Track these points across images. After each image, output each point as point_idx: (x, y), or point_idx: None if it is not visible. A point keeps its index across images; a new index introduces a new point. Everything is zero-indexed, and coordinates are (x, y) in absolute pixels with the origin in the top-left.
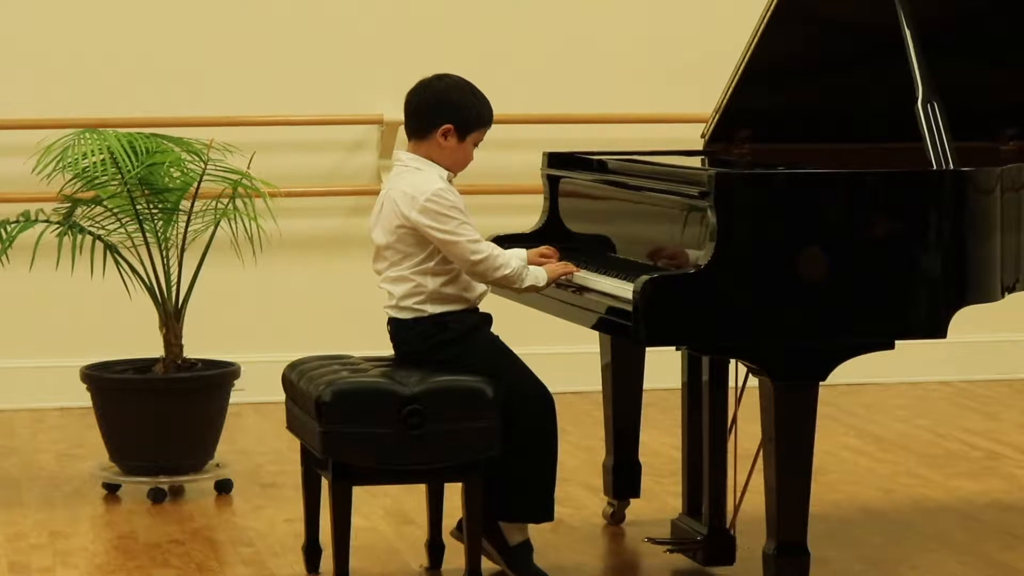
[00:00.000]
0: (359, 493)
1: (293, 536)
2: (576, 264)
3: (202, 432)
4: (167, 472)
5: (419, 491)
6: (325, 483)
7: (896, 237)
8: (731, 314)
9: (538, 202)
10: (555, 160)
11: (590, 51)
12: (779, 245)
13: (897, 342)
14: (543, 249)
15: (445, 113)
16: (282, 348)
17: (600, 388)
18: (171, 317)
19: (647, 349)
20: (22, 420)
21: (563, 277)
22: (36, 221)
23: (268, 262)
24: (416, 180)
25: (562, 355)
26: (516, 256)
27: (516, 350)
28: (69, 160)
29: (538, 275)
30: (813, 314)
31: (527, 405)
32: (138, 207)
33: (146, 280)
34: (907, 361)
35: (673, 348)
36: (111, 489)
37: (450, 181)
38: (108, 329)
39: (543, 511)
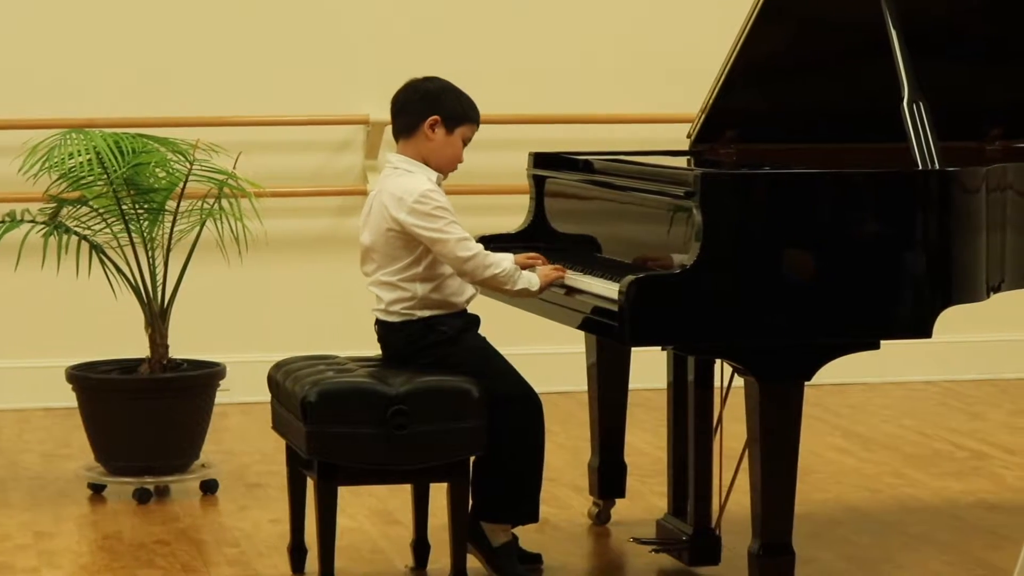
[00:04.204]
0: (344, 493)
1: (278, 536)
2: (562, 265)
3: (188, 432)
4: (152, 472)
5: (404, 491)
6: (310, 483)
7: (881, 237)
8: (716, 314)
9: (524, 202)
10: (541, 160)
11: (576, 51)
12: (765, 245)
13: (883, 342)
14: (530, 254)
15: (431, 106)
16: (268, 348)
17: (585, 388)
18: (157, 317)
19: (633, 349)
20: (7, 420)
21: (555, 281)
22: (22, 221)
23: (254, 262)
24: (405, 182)
25: (548, 355)
26: (507, 258)
27: (502, 350)
28: (55, 160)
29: (531, 279)
30: (798, 314)
31: (514, 407)
32: (124, 207)
33: (132, 280)
34: (893, 361)
35: (659, 348)
36: (96, 489)
37: (439, 184)
38: (93, 329)
39: (528, 512)
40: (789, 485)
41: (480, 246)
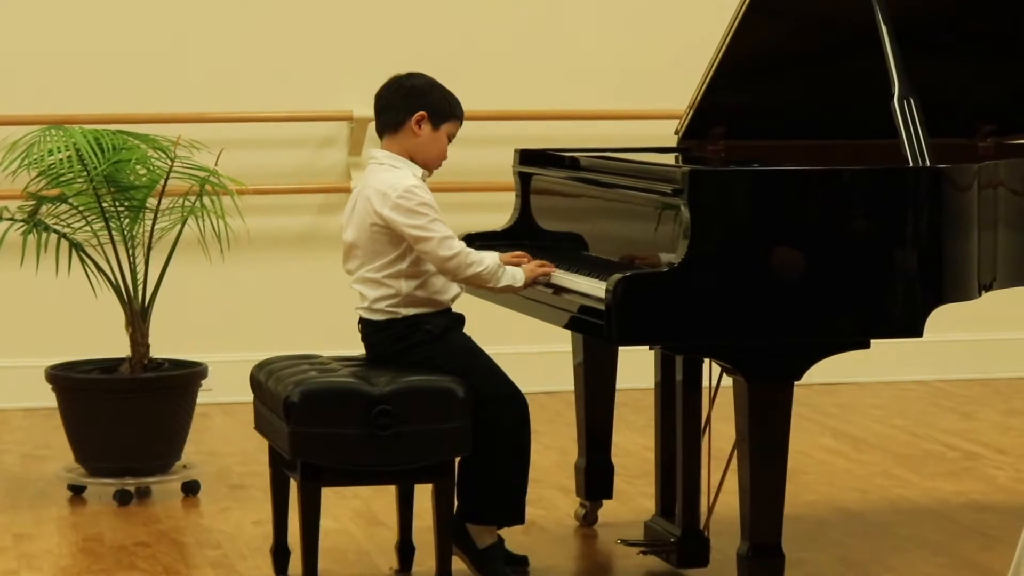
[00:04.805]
0: (328, 495)
1: (261, 538)
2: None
3: (169, 433)
4: (133, 474)
5: (389, 492)
6: (294, 484)
7: (872, 235)
8: (705, 313)
9: (509, 200)
10: (527, 157)
11: (562, 46)
12: (753, 243)
13: (873, 341)
14: (516, 253)
15: (418, 102)
16: (250, 348)
17: (572, 388)
18: (137, 316)
19: (620, 349)
20: None
21: (541, 278)
22: (0, 219)
23: (236, 260)
24: (389, 178)
25: (534, 354)
26: (490, 256)
27: (487, 350)
28: (34, 157)
29: (515, 275)
30: (788, 313)
31: (499, 407)
32: (104, 205)
33: (112, 279)
34: (883, 360)
35: (646, 347)
36: (76, 491)
37: (424, 180)
38: (73, 329)
39: (513, 514)
40: (778, 486)
41: (463, 244)
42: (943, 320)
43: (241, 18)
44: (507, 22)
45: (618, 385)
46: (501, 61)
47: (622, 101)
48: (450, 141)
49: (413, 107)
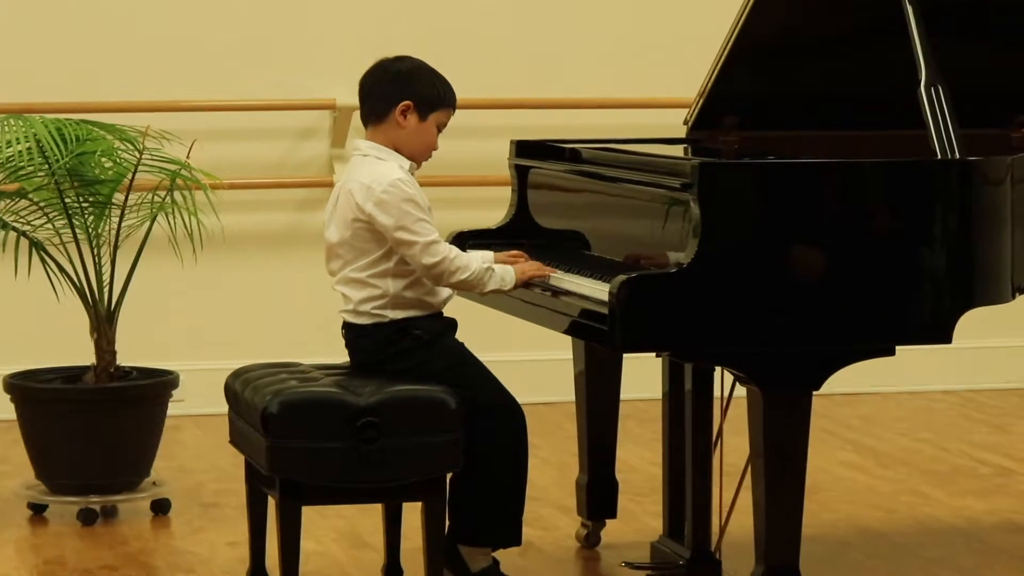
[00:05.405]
0: (309, 514)
1: (237, 561)
2: (547, 263)
3: (137, 447)
4: (99, 491)
5: (375, 511)
6: (272, 503)
7: (897, 233)
8: (716, 317)
9: (505, 195)
10: (524, 149)
11: (561, 29)
12: (769, 242)
13: (898, 348)
14: (513, 252)
15: (403, 90)
16: (224, 355)
17: (573, 398)
18: (103, 321)
19: (624, 356)
20: None
21: (535, 279)
22: None
23: (209, 261)
24: (375, 170)
25: (532, 362)
26: (480, 258)
27: (482, 357)
28: None
29: (505, 276)
30: (806, 317)
31: (494, 418)
32: (67, 200)
33: (76, 281)
34: (909, 368)
35: (653, 354)
36: (37, 510)
37: (412, 173)
38: (34, 334)
39: (509, 535)
40: (796, 504)
41: (448, 249)
42: (974, 325)
43: None
44: (503, 2)
45: (623, 395)
46: (496, 44)
47: (627, 88)
48: (441, 131)
49: (397, 95)
